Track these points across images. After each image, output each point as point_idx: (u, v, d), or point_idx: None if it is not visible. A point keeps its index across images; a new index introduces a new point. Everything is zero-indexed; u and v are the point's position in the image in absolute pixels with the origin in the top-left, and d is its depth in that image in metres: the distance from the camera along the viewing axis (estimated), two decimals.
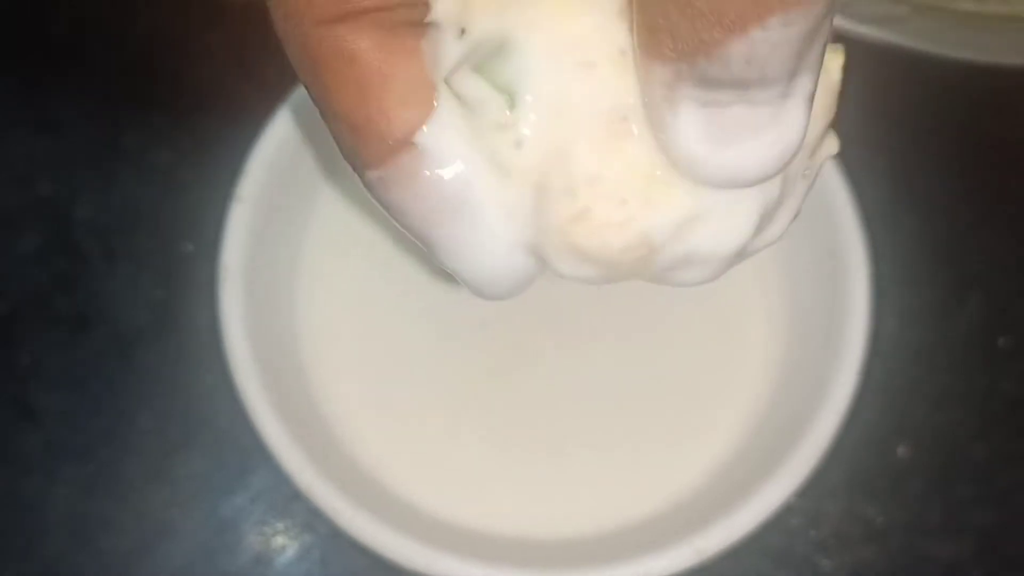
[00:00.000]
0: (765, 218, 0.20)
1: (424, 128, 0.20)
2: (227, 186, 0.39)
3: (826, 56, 0.18)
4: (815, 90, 0.17)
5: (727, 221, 0.19)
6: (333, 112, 0.21)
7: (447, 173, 0.20)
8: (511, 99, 0.19)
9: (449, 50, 0.19)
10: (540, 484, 0.40)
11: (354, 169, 0.22)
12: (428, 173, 0.20)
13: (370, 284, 0.42)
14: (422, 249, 0.22)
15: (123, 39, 0.44)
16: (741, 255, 0.20)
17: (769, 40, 0.15)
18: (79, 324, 0.44)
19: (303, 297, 0.41)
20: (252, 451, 0.39)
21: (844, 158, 0.38)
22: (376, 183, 0.22)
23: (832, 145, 0.21)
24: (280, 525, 0.42)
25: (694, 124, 0.17)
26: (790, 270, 0.41)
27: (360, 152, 0.21)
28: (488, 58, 0.19)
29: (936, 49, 0.38)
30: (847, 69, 0.20)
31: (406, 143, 0.20)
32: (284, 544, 0.41)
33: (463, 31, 0.19)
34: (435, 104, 0.20)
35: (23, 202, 0.46)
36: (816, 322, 0.40)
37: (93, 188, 0.45)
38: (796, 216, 0.20)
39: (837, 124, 0.20)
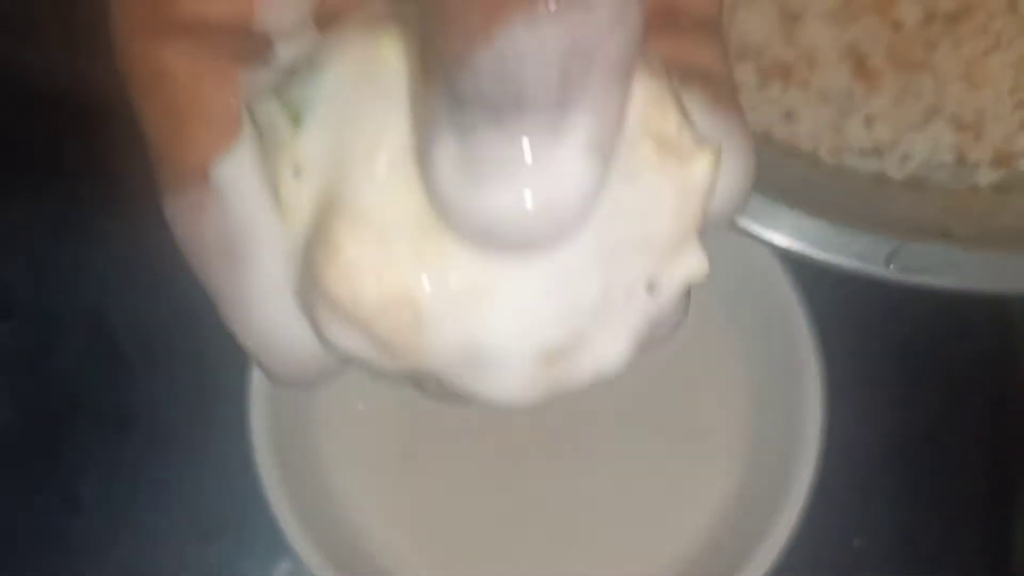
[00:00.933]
0: (573, 322, 0.15)
1: (219, 163, 0.18)
2: None
3: (689, 147, 0.16)
4: (603, 139, 0.14)
5: (514, 311, 0.15)
6: (144, 129, 0.19)
7: (233, 212, 0.17)
8: (298, 122, 0.16)
9: (265, 77, 0.17)
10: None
11: (157, 194, 0.20)
12: (214, 210, 0.18)
13: (383, 385, 0.46)
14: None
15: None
16: (545, 381, 0.16)
17: (517, 50, 0.13)
18: (121, 422, 0.48)
19: (323, 398, 0.46)
20: (276, 543, 0.43)
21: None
22: (169, 215, 0.19)
23: (696, 263, 0.16)
24: None
25: (447, 153, 0.14)
26: (751, 378, 0.45)
27: (160, 176, 0.19)
28: (289, 80, 0.17)
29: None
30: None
31: (199, 176, 0.18)
32: None
33: (293, 71, 0.17)
34: (236, 139, 0.18)
35: (70, 308, 0.49)
36: (776, 425, 0.44)
37: (134, 295, 0.49)
38: (640, 348, 0.16)
39: (702, 238, 0.17)
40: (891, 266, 0.39)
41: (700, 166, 0.16)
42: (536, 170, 0.13)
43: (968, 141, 0.45)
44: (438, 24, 0.13)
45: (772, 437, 0.44)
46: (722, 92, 0.18)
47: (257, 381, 0.41)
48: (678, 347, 0.43)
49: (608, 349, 0.16)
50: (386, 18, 0.16)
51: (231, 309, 0.18)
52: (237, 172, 0.17)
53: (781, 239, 0.40)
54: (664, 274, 0.16)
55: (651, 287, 0.16)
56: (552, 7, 0.12)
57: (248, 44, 0.18)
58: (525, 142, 0.13)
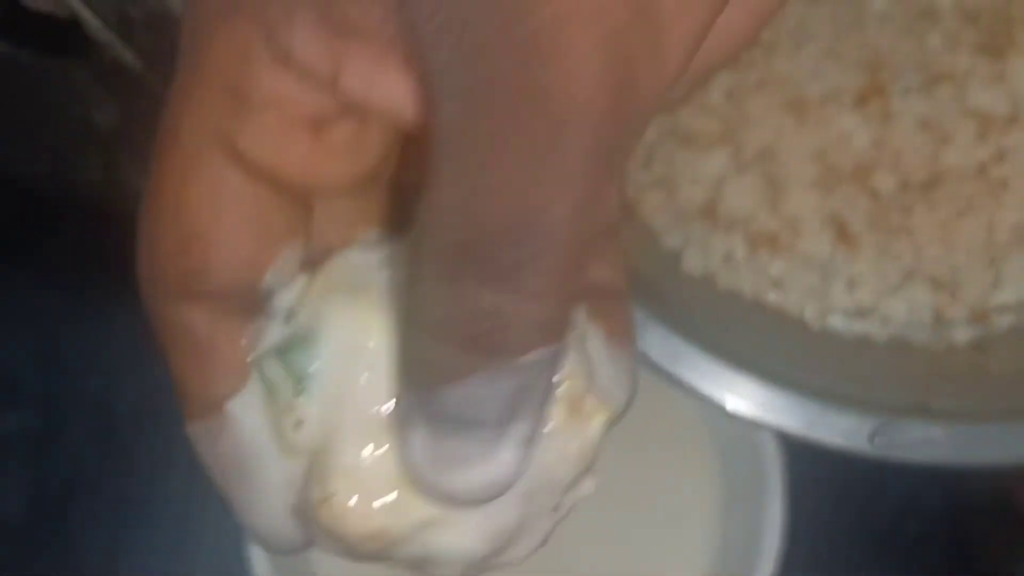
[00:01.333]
0: (500, 539, 0.21)
1: (232, 399, 0.22)
2: None
3: (592, 406, 0.20)
4: (533, 434, 0.19)
5: (459, 536, 0.20)
6: (169, 369, 0.24)
7: (243, 440, 0.22)
8: (300, 387, 0.20)
9: (271, 333, 0.21)
10: None
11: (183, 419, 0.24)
12: (228, 437, 0.23)
13: None
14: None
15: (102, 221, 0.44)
16: (481, 568, 0.21)
17: (477, 393, 0.17)
18: (120, 505, 0.50)
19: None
20: None
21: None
22: (191, 436, 0.24)
23: (588, 487, 0.22)
24: None
25: (420, 445, 0.19)
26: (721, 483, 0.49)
27: (184, 406, 0.24)
28: (291, 347, 0.21)
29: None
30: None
31: (215, 409, 0.23)
32: None
33: (290, 317, 0.21)
34: (247, 380, 0.22)
35: (74, 396, 0.51)
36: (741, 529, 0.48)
37: (137, 383, 0.50)
38: (543, 543, 0.22)
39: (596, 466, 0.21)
40: (875, 441, 0.42)
41: (599, 421, 0.20)
42: (483, 461, 0.18)
43: (945, 300, 0.48)
44: (414, 362, 0.18)
45: (737, 536, 0.48)
46: (618, 323, 0.22)
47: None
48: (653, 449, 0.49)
49: (524, 548, 0.21)
50: (369, 289, 0.20)
51: (238, 508, 0.23)
52: (245, 409, 0.22)
53: (769, 418, 0.43)
54: (566, 499, 0.21)
55: (555, 508, 0.21)
56: (505, 366, 0.17)
57: (253, 299, 0.22)
58: (479, 445, 0.18)
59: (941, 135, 0.48)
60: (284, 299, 0.22)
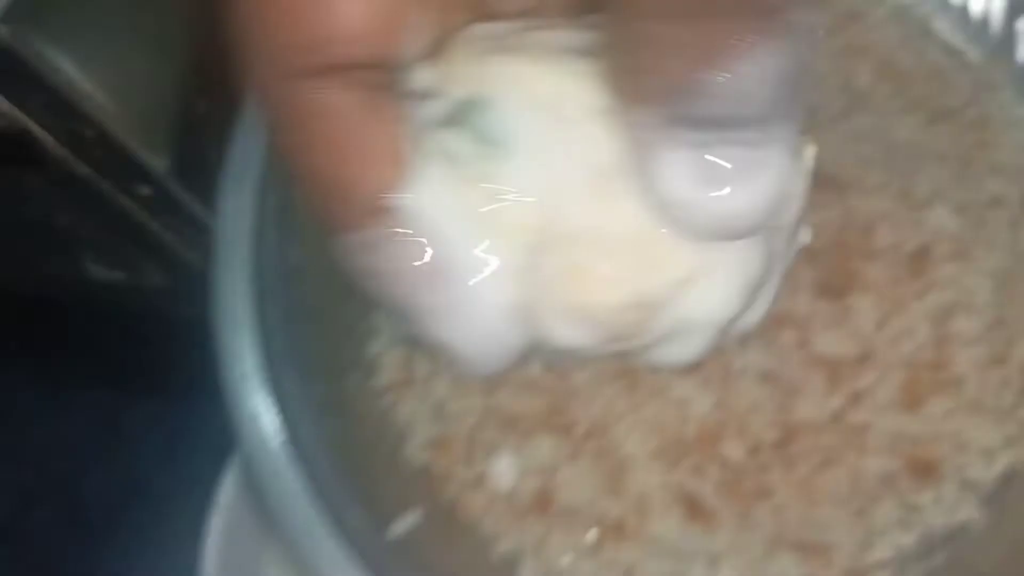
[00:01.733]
0: (749, 292, 0.20)
1: (403, 190, 0.19)
2: (215, 463, 0.43)
3: (799, 142, 0.19)
4: (792, 138, 0.18)
5: (714, 291, 0.19)
6: (307, 172, 0.20)
7: (430, 235, 0.19)
8: (494, 152, 0.19)
9: (432, 110, 0.20)
10: None
11: (329, 233, 0.21)
12: (408, 236, 0.20)
13: None
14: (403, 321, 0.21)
15: (130, 330, 0.48)
16: (725, 330, 0.20)
17: (749, 76, 0.16)
18: None
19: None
20: None
21: None
22: (353, 248, 0.21)
23: (806, 235, 0.21)
24: None
25: (680, 166, 0.17)
26: None
27: (336, 215, 0.21)
28: (472, 114, 0.19)
29: None
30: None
31: (384, 206, 0.20)
32: None
33: (443, 94, 0.20)
34: (415, 165, 0.20)
35: (40, 479, 0.52)
36: None
37: (101, 467, 0.52)
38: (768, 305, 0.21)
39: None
40: None
41: (808, 152, 0.20)
42: (759, 168, 0.17)
43: (817, 566, 0.43)
44: (660, 57, 0.17)
45: None
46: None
47: (210, 551, 0.43)
48: None
49: (758, 310, 0.21)
50: (553, 51, 0.19)
51: (442, 322, 0.20)
52: (424, 200, 0.19)
53: None
54: (789, 250, 0.21)
55: (783, 259, 0.21)
56: (770, 40, 0.16)
57: (390, 77, 0.20)
58: (750, 149, 0.17)
59: (788, 388, 0.42)
60: (424, 80, 0.20)
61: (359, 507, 0.40)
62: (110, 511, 0.51)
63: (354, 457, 0.42)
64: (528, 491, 0.43)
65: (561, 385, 0.44)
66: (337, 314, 0.47)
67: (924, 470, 0.43)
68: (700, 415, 0.43)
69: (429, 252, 0.20)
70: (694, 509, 0.43)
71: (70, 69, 0.39)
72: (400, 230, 0.20)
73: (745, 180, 0.18)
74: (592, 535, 0.43)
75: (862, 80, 0.49)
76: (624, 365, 0.44)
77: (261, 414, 0.40)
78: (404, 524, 0.41)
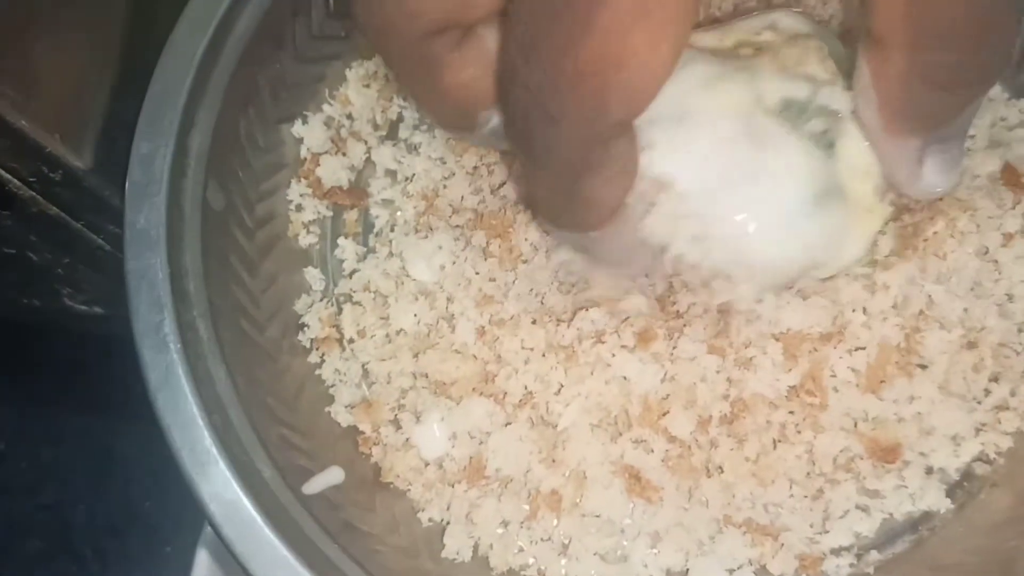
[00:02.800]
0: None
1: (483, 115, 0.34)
2: None
3: None
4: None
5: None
6: (418, 100, 0.36)
7: None
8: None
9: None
10: None
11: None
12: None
13: None
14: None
15: (117, 357, 0.44)
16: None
17: (974, 106, 0.33)
18: None
19: None
20: None
21: None
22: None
23: None
24: None
25: (935, 166, 0.34)
26: None
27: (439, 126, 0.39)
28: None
29: None
30: None
31: (469, 126, 0.34)
32: None
33: None
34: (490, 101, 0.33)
35: (30, 508, 0.52)
36: None
37: (92, 496, 0.51)
38: None
39: None
40: None
41: None
42: (957, 162, 0.36)
43: (768, 551, 0.39)
44: (927, 104, 0.34)
45: None
46: None
47: None
48: None
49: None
50: None
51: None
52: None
53: None
54: None
55: None
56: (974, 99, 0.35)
57: (468, 31, 0.32)
58: (957, 151, 0.35)
59: (740, 360, 0.39)
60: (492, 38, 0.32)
61: (272, 466, 0.37)
62: (101, 539, 0.51)
63: (272, 412, 0.39)
64: (458, 458, 0.40)
65: (491, 353, 0.41)
66: (263, 266, 0.43)
67: (886, 454, 0.40)
68: (644, 390, 0.39)
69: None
70: (637, 483, 0.40)
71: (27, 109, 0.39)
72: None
73: (958, 165, 0.35)
74: (526, 506, 0.40)
75: None
76: (558, 339, 0.41)
77: (173, 363, 0.37)
78: (319, 482, 0.38)
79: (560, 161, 0.31)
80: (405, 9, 0.30)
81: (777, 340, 0.40)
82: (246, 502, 0.35)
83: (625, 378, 0.40)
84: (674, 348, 0.39)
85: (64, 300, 0.51)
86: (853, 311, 0.40)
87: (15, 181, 0.42)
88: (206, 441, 0.36)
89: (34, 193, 0.43)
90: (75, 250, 0.47)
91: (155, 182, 0.40)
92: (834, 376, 0.40)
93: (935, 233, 0.39)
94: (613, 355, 0.40)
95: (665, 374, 0.40)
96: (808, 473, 0.40)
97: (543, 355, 0.40)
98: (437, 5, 0.30)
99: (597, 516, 0.40)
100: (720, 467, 0.40)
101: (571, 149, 0.30)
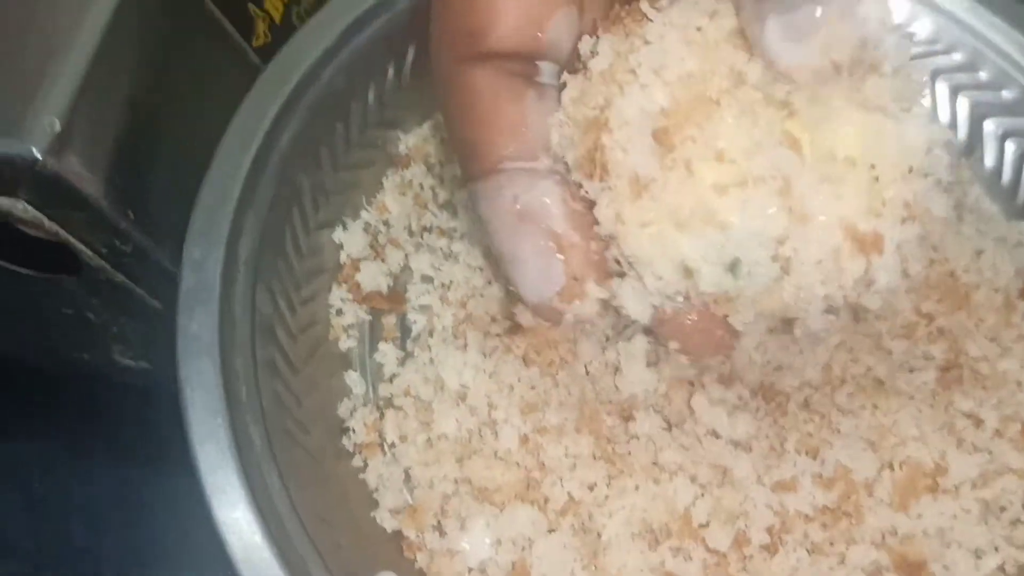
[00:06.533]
0: None
1: (511, 154, 0.30)
2: None
3: None
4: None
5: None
6: (453, 131, 0.31)
7: (523, 191, 0.31)
8: None
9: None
10: None
11: (463, 182, 0.33)
12: (510, 189, 0.31)
13: None
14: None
15: (155, 408, 0.45)
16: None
17: None
18: None
19: None
20: None
21: None
22: (472, 195, 0.32)
23: None
24: None
25: (776, 30, 0.30)
26: None
27: (466, 168, 0.32)
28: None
29: None
30: None
31: (498, 164, 0.30)
32: None
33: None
34: (526, 137, 0.30)
35: (62, 546, 0.52)
36: None
37: (124, 534, 0.52)
38: None
39: None
40: None
41: None
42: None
43: None
44: None
45: None
46: None
47: None
48: None
49: None
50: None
51: (511, 261, 0.33)
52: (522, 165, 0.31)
53: None
54: None
55: None
56: None
57: (530, 68, 0.30)
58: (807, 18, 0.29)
59: (783, 484, 0.41)
60: (550, 73, 0.33)
61: (326, 570, 0.38)
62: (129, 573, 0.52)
63: (321, 517, 0.40)
64: (503, 563, 0.41)
65: (534, 460, 0.42)
66: (305, 370, 0.45)
67: (912, 569, 0.42)
68: (685, 505, 0.41)
69: (516, 202, 0.32)
70: None
71: (105, 191, 0.41)
72: (500, 188, 0.31)
73: (804, 37, 0.29)
74: None
75: None
76: (604, 449, 0.42)
77: (230, 472, 0.37)
78: None
79: (437, 83, 0.32)
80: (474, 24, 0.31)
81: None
82: None
83: (668, 492, 0.41)
84: (723, 475, 0.41)
85: (114, 355, 0.53)
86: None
87: (88, 252, 0.43)
88: (263, 549, 0.37)
89: (104, 263, 0.44)
90: (132, 311, 0.48)
91: (207, 288, 0.41)
92: (870, 496, 0.41)
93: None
94: (662, 472, 0.41)
95: (711, 496, 0.41)
96: None
97: (588, 464, 0.41)
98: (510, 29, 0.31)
99: None
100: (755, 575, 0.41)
101: (442, 68, 0.31)
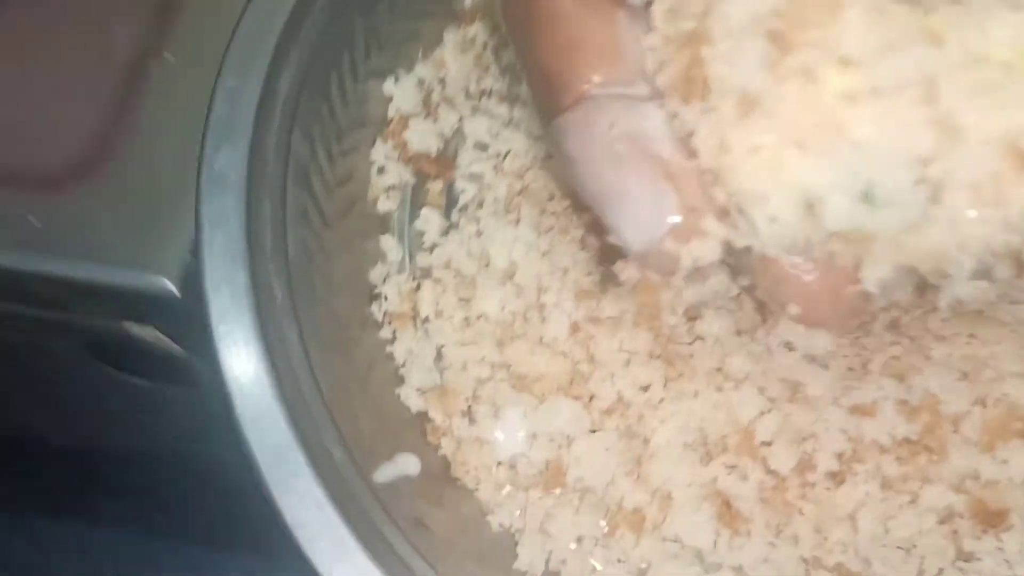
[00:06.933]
0: None
1: (604, 82, 0.26)
2: None
3: None
4: None
5: None
6: (533, 61, 0.28)
7: (618, 120, 0.26)
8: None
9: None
10: None
11: (544, 121, 0.29)
12: (602, 120, 0.26)
13: None
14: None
15: (223, 489, 0.43)
16: None
17: None
18: None
19: None
20: None
21: None
22: (556, 131, 0.27)
23: None
24: None
25: None
26: None
27: (549, 101, 0.28)
28: None
29: None
30: None
31: (585, 95, 0.26)
32: None
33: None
34: (616, 61, 0.26)
35: None
36: None
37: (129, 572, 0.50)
38: None
39: None
40: None
41: None
42: None
43: None
44: None
45: None
46: None
47: None
48: None
49: None
50: None
51: (610, 199, 0.28)
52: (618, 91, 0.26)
53: None
54: None
55: None
56: None
57: None
58: None
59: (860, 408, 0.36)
60: None
61: (342, 446, 0.33)
62: None
63: (341, 385, 0.35)
64: (535, 460, 0.37)
65: (584, 352, 0.37)
66: (339, 227, 0.40)
67: (991, 517, 0.37)
68: (750, 419, 0.36)
69: (610, 135, 0.26)
70: (727, 511, 0.36)
71: None
72: (594, 115, 0.27)
73: None
74: (604, 522, 0.36)
75: None
76: (663, 348, 0.37)
77: (244, 320, 0.33)
78: (391, 471, 0.34)
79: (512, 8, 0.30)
80: None
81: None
82: (316, 486, 0.31)
83: (730, 404, 0.36)
84: (794, 391, 0.36)
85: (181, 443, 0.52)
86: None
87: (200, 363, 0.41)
88: (273, 410, 0.32)
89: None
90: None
91: (239, 121, 0.36)
92: (956, 432, 0.36)
93: None
94: (727, 380, 0.36)
95: (780, 411, 0.36)
96: (907, 525, 0.37)
97: (644, 362, 0.36)
98: None
99: (679, 542, 0.37)
100: (817, 507, 0.36)
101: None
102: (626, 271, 0.31)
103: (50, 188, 0.39)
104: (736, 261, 0.30)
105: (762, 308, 0.38)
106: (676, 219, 0.27)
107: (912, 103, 0.27)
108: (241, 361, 0.33)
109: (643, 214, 0.28)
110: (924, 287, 0.31)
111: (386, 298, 0.40)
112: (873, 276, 0.28)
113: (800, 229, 0.28)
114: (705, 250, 0.28)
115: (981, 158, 0.27)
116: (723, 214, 0.28)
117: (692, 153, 0.28)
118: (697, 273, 0.30)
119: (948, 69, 0.27)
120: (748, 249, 0.28)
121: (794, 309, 0.29)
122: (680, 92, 0.28)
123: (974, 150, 0.27)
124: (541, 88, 0.29)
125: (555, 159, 0.30)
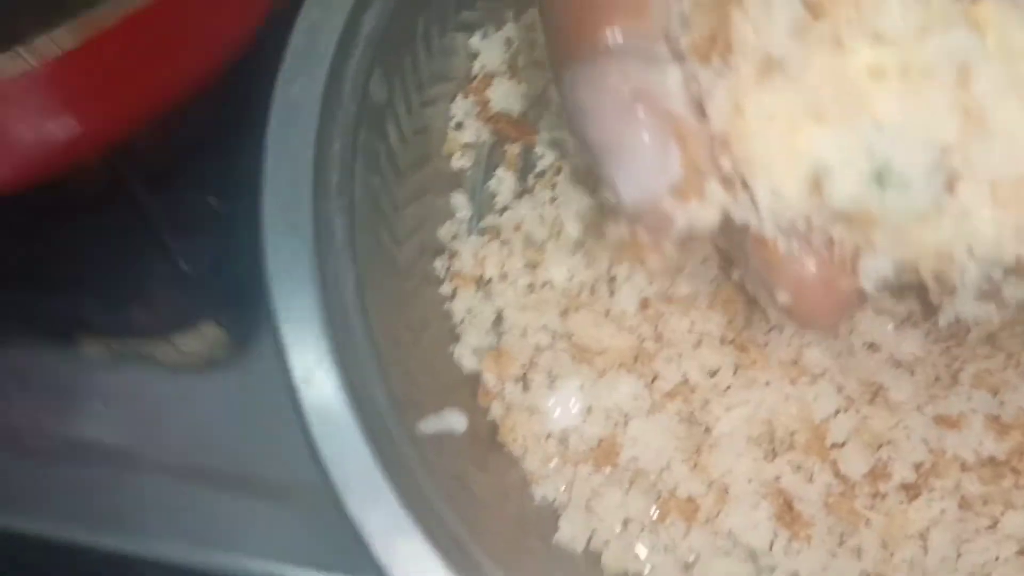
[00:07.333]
0: None
1: (626, 33, 0.25)
2: None
3: None
4: None
5: None
6: (553, 7, 0.27)
7: (632, 74, 0.25)
8: None
9: None
10: None
11: (555, 69, 0.27)
12: (618, 71, 0.25)
13: None
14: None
15: None
16: None
17: None
18: None
19: None
20: None
21: None
22: (569, 80, 0.26)
23: None
24: None
25: None
26: None
27: (564, 48, 0.26)
28: None
29: None
30: None
31: (605, 48, 0.25)
32: None
33: None
34: (641, 13, 0.25)
35: None
36: None
37: None
38: None
39: None
40: None
41: None
42: None
43: None
44: None
45: None
46: None
47: None
48: None
49: None
50: None
51: (611, 149, 0.26)
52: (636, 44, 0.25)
53: None
54: None
55: None
56: None
57: None
58: None
59: (948, 420, 0.34)
60: None
61: (388, 394, 0.32)
62: None
63: (393, 336, 0.34)
64: (588, 436, 0.34)
65: (652, 330, 0.35)
66: (412, 178, 0.38)
67: None
68: (824, 418, 0.34)
69: (623, 87, 0.25)
70: (788, 512, 0.34)
71: None
72: (610, 67, 0.25)
73: None
74: (654, 508, 0.34)
75: None
76: (737, 333, 0.35)
77: (301, 252, 0.32)
78: (437, 423, 0.32)
79: None
80: None
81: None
82: (354, 425, 0.30)
83: (803, 399, 0.34)
84: (875, 393, 0.34)
85: None
86: None
87: None
88: (320, 343, 0.31)
89: None
90: None
91: (318, 54, 0.35)
92: None
93: None
94: (803, 374, 0.34)
95: (858, 412, 0.34)
96: (979, 549, 0.34)
97: (715, 346, 0.34)
98: None
99: (732, 538, 0.34)
100: (887, 519, 0.34)
101: None
102: (614, 228, 0.28)
103: None
104: (728, 243, 0.28)
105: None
106: (675, 174, 0.25)
107: (942, 88, 0.25)
108: (293, 296, 0.32)
109: (644, 168, 0.26)
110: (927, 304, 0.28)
111: (454, 255, 0.38)
112: (871, 270, 0.26)
113: (802, 206, 0.25)
114: (703, 214, 0.26)
115: (1004, 155, 0.24)
116: (727, 184, 0.25)
117: (706, 118, 0.25)
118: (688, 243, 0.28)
119: (984, 60, 0.25)
120: (744, 230, 0.26)
121: (783, 296, 0.27)
122: (700, 52, 0.26)
123: (998, 146, 0.24)
124: (560, 34, 0.28)
125: (563, 109, 0.27)
